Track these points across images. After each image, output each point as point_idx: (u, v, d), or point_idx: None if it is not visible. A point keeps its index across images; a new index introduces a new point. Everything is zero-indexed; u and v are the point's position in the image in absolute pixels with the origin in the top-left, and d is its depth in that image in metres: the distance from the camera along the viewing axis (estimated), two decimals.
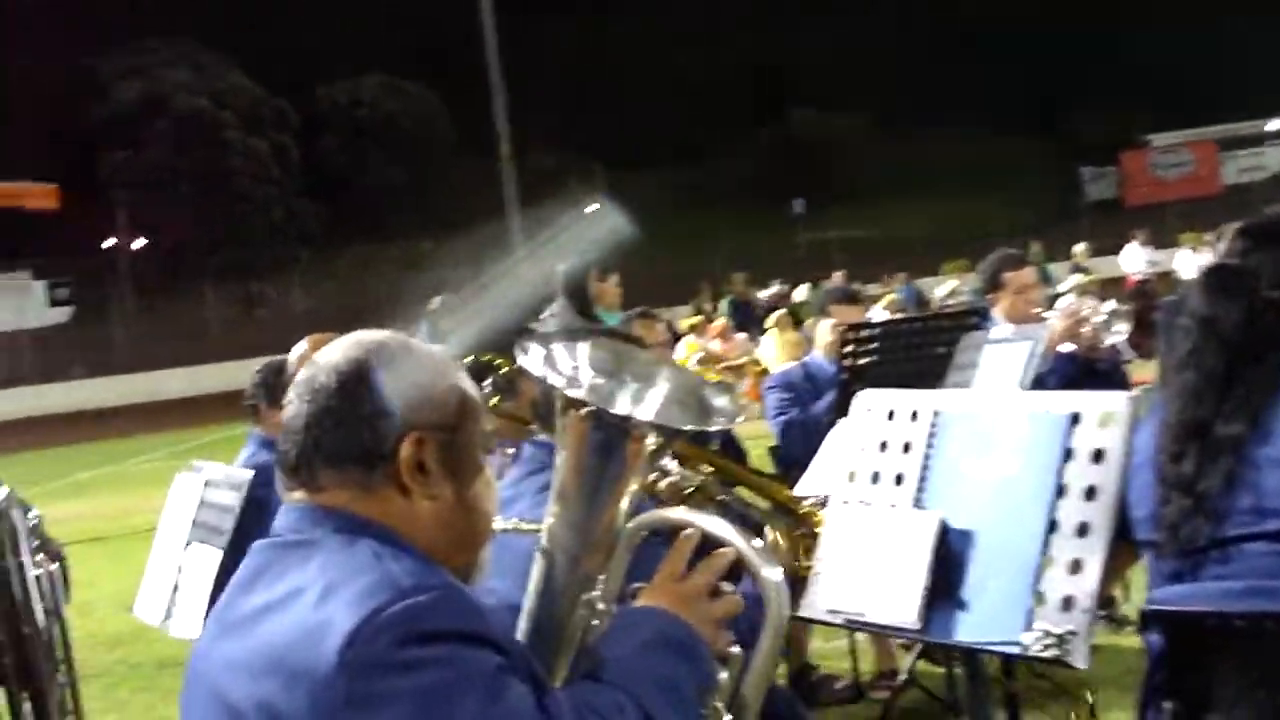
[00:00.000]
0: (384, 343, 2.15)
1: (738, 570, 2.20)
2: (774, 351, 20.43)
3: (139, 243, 57.63)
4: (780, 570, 2.17)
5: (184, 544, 4.52)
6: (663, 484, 3.58)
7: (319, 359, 2.15)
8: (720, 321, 22.66)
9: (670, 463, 3.58)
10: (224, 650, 2.01)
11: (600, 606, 2.26)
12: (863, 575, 2.87)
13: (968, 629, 2.69)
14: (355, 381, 2.08)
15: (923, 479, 2.88)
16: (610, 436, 2.20)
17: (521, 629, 2.33)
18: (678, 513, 2.26)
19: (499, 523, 2.32)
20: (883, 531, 2.87)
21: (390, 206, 60.58)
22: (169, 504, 4.79)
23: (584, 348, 2.36)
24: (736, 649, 2.24)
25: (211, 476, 4.67)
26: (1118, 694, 5.29)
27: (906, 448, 2.93)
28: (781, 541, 3.41)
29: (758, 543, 2.19)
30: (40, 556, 4.04)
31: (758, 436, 7.19)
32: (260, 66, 60.76)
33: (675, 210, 56.71)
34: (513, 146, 51.62)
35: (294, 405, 2.12)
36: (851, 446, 3.06)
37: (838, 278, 20.88)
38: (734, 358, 20.61)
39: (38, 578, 3.93)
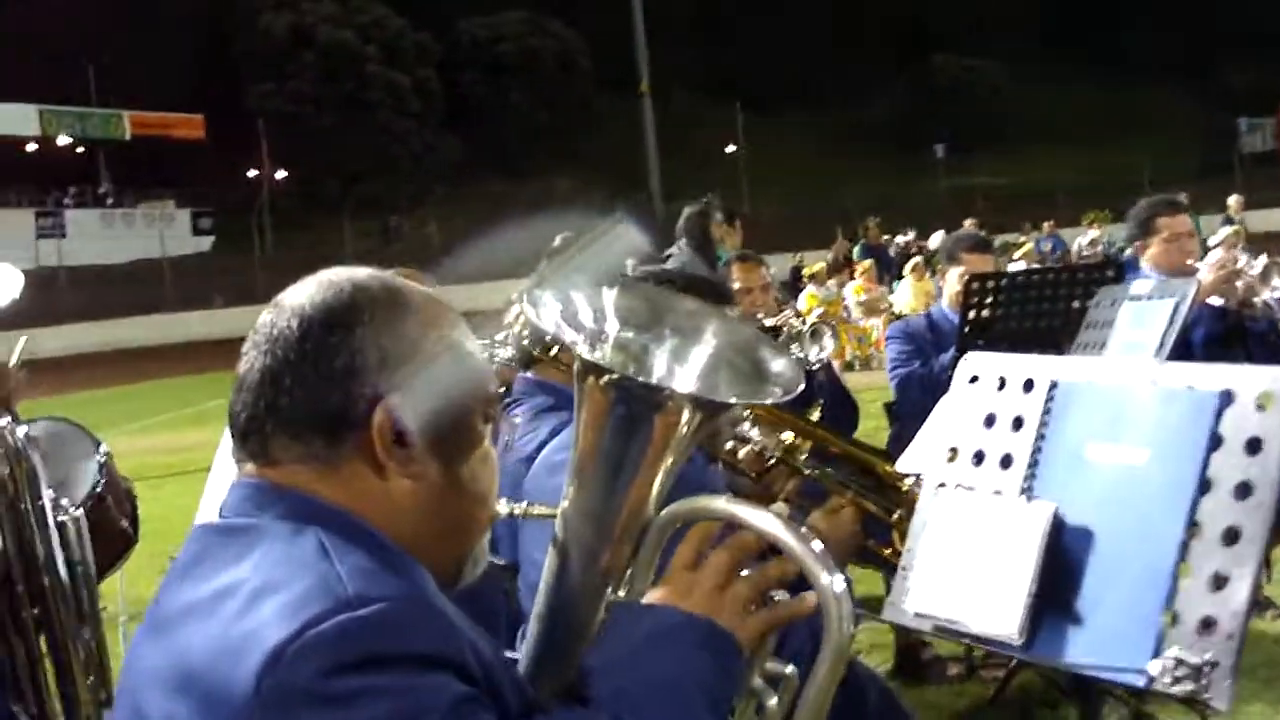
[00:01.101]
0: (363, 283, 1.76)
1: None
2: (908, 299, 19.82)
3: (280, 174, 58.35)
4: (842, 579, 1.74)
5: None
6: (741, 453, 3.16)
7: (284, 300, 1.77)
8: (855, 265, 22.05)
9: (749, 428, 3.14)
10: (148, 654, 1.66)
11: None
12: (958, 575, 2.41)
13: (1080, 649, 2.21)
14: (323, 330, 1.70)
15: (1034, 463, 2.40)
16: (636, 410, 1.79)
17: (531, 634, 1.93)
18: (718, 502, 1.82)
19: (503, 506, 1.91)
20: (984, 523, 2.40)
21: (527, 143, 60.56)
22: (223, 440, 4.48)
23: (613, 296, 1.93)
24: (790, 668, 1.82)
25: None
26: (1258, 686, 4.88)
27: (1017, 424, 2.44)
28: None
29: (819, 545, 1.74)
30: (65, 502, 3.73)
31: (881, 387, 6.74)
32: (404, 0, 60.87)
33: (813, 154, 55.77)
34: (652, 86, 51.32)
35: (248, 357, 1.74)
36: (954, 418, 2.59)
37: (969, 224, 20.10)
38: (865, 304, 20.18)
39: (61, 524, 3.62)
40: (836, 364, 17.94)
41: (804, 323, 5.68)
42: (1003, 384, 2.49)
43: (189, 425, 17.74)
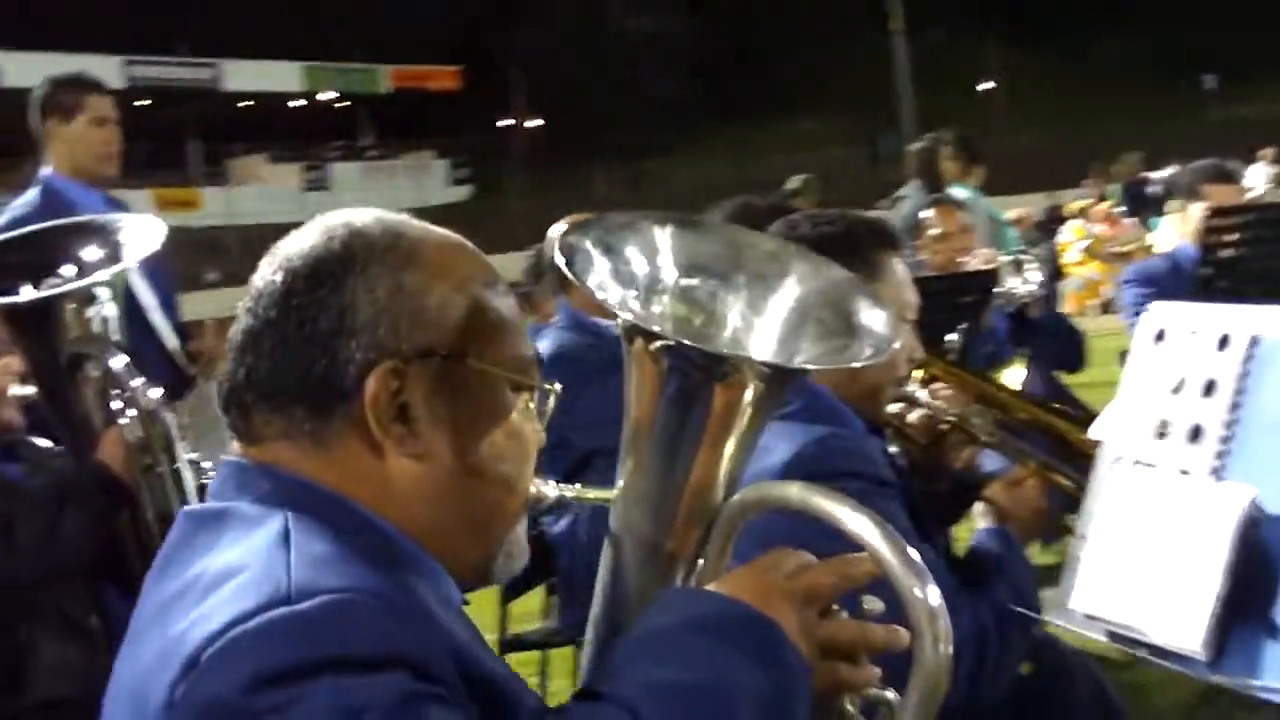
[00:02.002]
0: (360, 227, 1.49)
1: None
2: (1171, 238, 18.66)
3: (533, 122, 59.05)
4: (939, 593, 1.38)
5: None
6: (912, 416, 2.78)
7: (277, 248, 1.50)
8: (1106, 204, 20.93)
9: (918, 388, 2.76)
10: (121, 662, 1.42)
11: None
12: (1135, 570, 1.99)
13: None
14: (308, 283, 1.44)
15: (1228, 437, 1.95)
16: (692, 380, 1.48)
17: (588, 641, 1.63)
18: (792, 490, 1.48)
19: (548, 489, 1.60)
20: (1166, 508, 1.98)
21: (776, 86, 59.79)
22: None
23: (679, 237, 1.59)
24: (891, 694, 1.49)
25: None
26: None
27: (1209, 388, 2.00)
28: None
29: (914, 554, 1.40)
30: (208, 465, 3.59)
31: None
32: None
33: (1072, 87, 53.51)
34: (905, 20, 49.93)
35: (239, 318, 1.48)
36: (1137, 381, 2.16)
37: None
38: (1122, 243, 19.09)
39: (203, 488, 3.47)
40: (1096, 304, 17.15)
41: (1006, 256, 5.25)
42: (1194, 339, 2.05)
43: None
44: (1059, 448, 2.85)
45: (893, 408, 2.79)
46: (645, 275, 1.56)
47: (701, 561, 1.54)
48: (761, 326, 1.58)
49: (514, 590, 4.37)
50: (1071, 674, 2.91)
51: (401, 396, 1.42)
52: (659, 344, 1.47)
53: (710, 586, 1.47)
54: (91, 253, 3.19)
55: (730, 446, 1.50)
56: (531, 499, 1.59)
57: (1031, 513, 2.68)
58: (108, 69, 47.80)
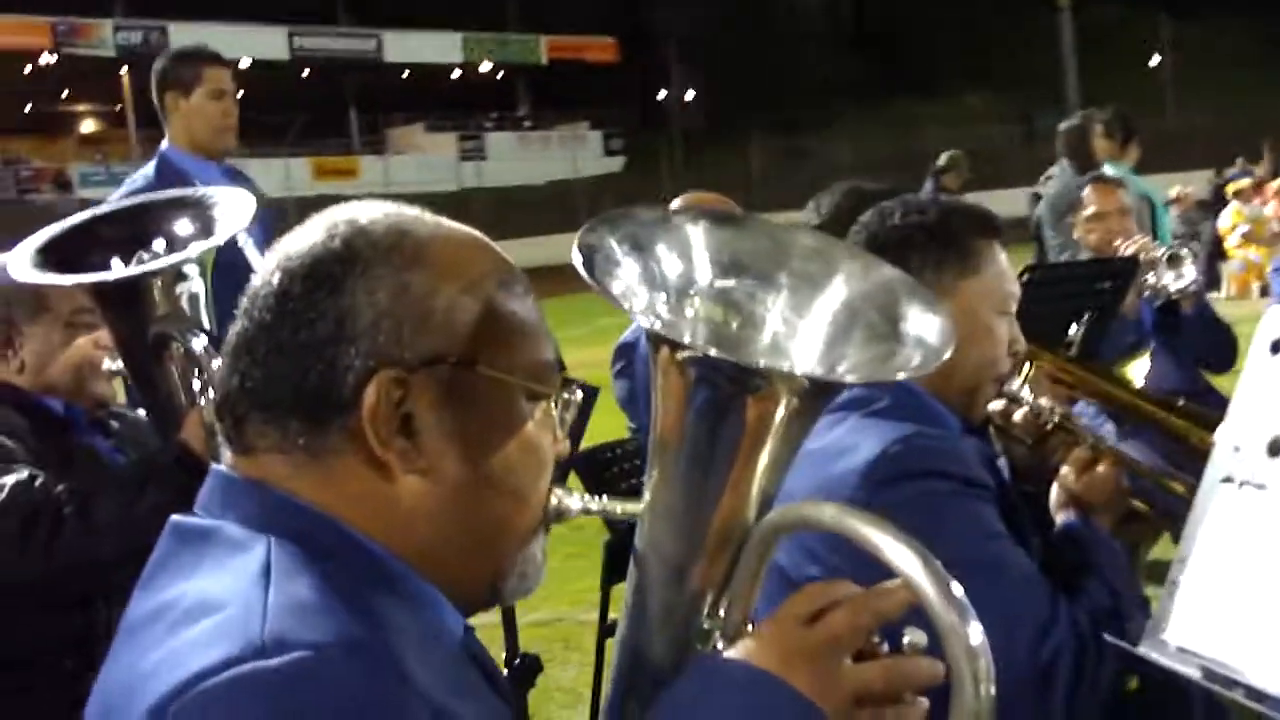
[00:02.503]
0: (364, 224, 1.38)
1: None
2: None
3: (689, 95, 58.88)
4: (980, 631, 1.23)
5: None
6: (1015, 415, 2.60)
7: (279, 246, 1.41)
8: (1277, 183, 20.10)
9: (1021, 386, 2.58)
10: (104, 670, 1.32)
11: (721, 646, 1.42)
12: (1237, 602, 1.81)
13: None
14: (305, 285, 1.34)
15: None
16: (722, 392, 1.35)
17: (615, 662, 1.52)
18: (827, 512, 1.35)
19: (572, 501, 1.48)
20: (1273, 535, 1.79)
21: (938, 61, 58.74)
22: None
23: (714, 234, 1.46)
24: None
25: None
26: None
27: None
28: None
29: (957, 587, 1.26)
30: None
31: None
32: None
33: (1245, 63, 51.56)
34: None
35: (237, 321, 1.39)
36: (1252, 394, 1.96)
37: None
38: None
39: None
40: (1257, 286, 16.47)
41: (1162, 248, 4.97)
42: None
43: (588, 344, 18.04)
44: (1178, 448, 2.65)
45: (995, 405, 2.62)
46: (677, 276, 1.43)
47: (727, 593, 1.41)
48: (804, 331, 1.44)
49: (618, 573, 4.26)
50: (1183, 691, 2.71)
51: (405, 407, 1.31)
52: (686, 354, 1.34)
53: (752, 644, 1.34)
54: (184, 227, 3.13)
55: (764, 462, 1.37)
56: (552, 512, 1.47)
57: (1110, 496, 2.49)
58: (274, 39, 49.12)
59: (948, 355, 1.34)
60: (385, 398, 1.30)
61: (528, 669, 3.91)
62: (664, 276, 1.42)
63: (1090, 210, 5.41)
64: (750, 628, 1.42)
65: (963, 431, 2.51)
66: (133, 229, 3.17)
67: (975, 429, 2.60)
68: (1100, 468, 2.47)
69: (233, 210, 3.18)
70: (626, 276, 1.40)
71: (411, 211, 1.41)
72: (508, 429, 1.37)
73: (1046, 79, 50.28)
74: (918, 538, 2.26)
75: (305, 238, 1.37)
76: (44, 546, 2.76)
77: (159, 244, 3.11)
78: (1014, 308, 2.56)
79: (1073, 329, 3.44)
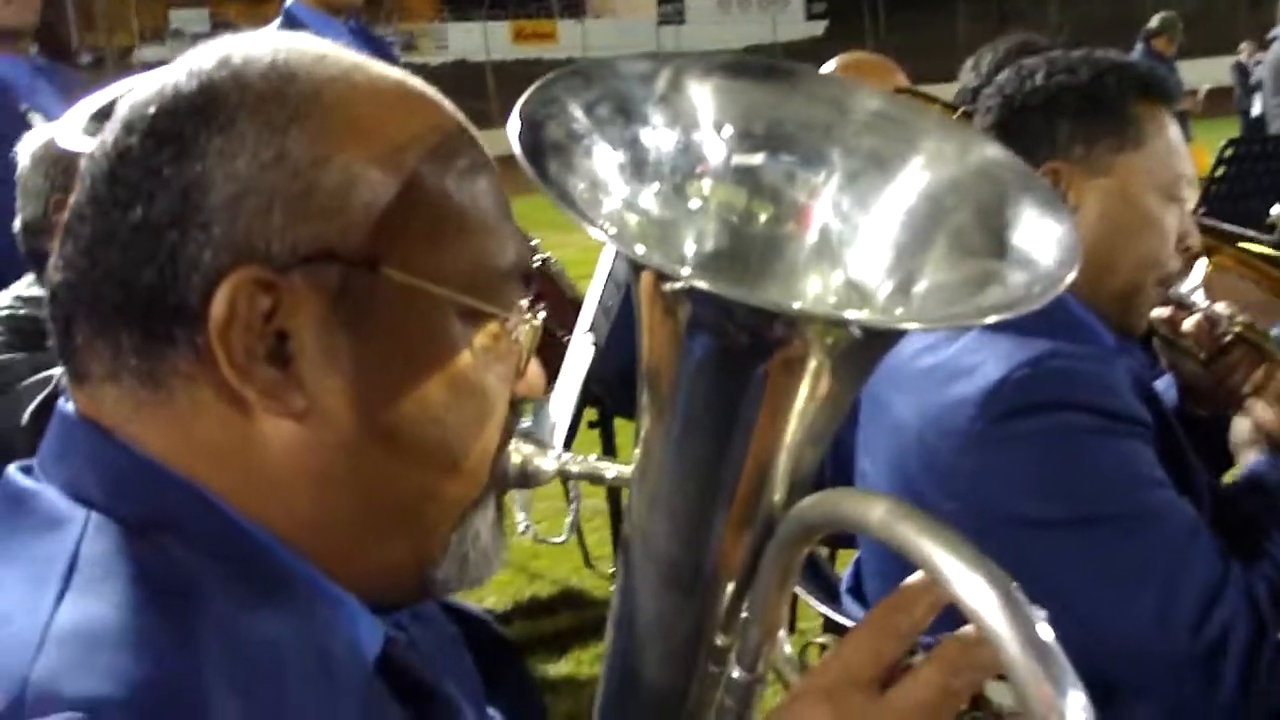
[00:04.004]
0: (243, 63, 0.99)
1: None
2: None
3: None
4: (1081, 699, 0.80)
5: None
6: (1186, 324, 2.11)
7: (127, 93, 1.02)
8: None
9: (1195, 290, 2.09)
10: None
11: (735, 674, 1.05)
12: None
13: None
14: (148, 147, 0.96)
15: None
16: (730, 343, 0.92)
17: (602, 690, 1.15)
18: (878, 512, 0.90)
19: (546, 460, 1.09)
20: None
21: None
22: None
23: (732, 93, 1.03)
24: None
25: None
26: None
27: None
28: None
29: (1041, 617, 0.83)
30: None
31: None
32: None
33: None
34: None
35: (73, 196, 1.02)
36: None
37: None
38: None
39: None
40: None
41: None
42: None
43: None
44: None
45: (1160, 312, 2.13)
46: (676, 153, 1.00)
47: (746, 604, 1.00)
48: (861, 238, 1.00)
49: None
50: None
51: (276, 322, 0.93)
52: (670, 287, 0.91)
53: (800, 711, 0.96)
54: None
55: (794, 431, 0.95)
56: (512, 474, 1.08)
57: None
58: None
59: (1066, 284, 0.89)
60: (247, 307, 0.91)
61: None
62: (656, 156, 0.99)
63: None
64: (783, 660, 1.02)
65: (1117, 346, 2.03)
66: None
67: (1133, 342, 2.12)
68: None
69: None
70: (602, 157, 0.97)
71: (319, 48, 1.01)
72: (430, 358, 0.98)
73: None
74: (1051, 485, 1.82)
75: (157, 81, 0.98)
76: None
77: None
78: (1186, 192, 2.05)
79: (1275, 209, 2.84)
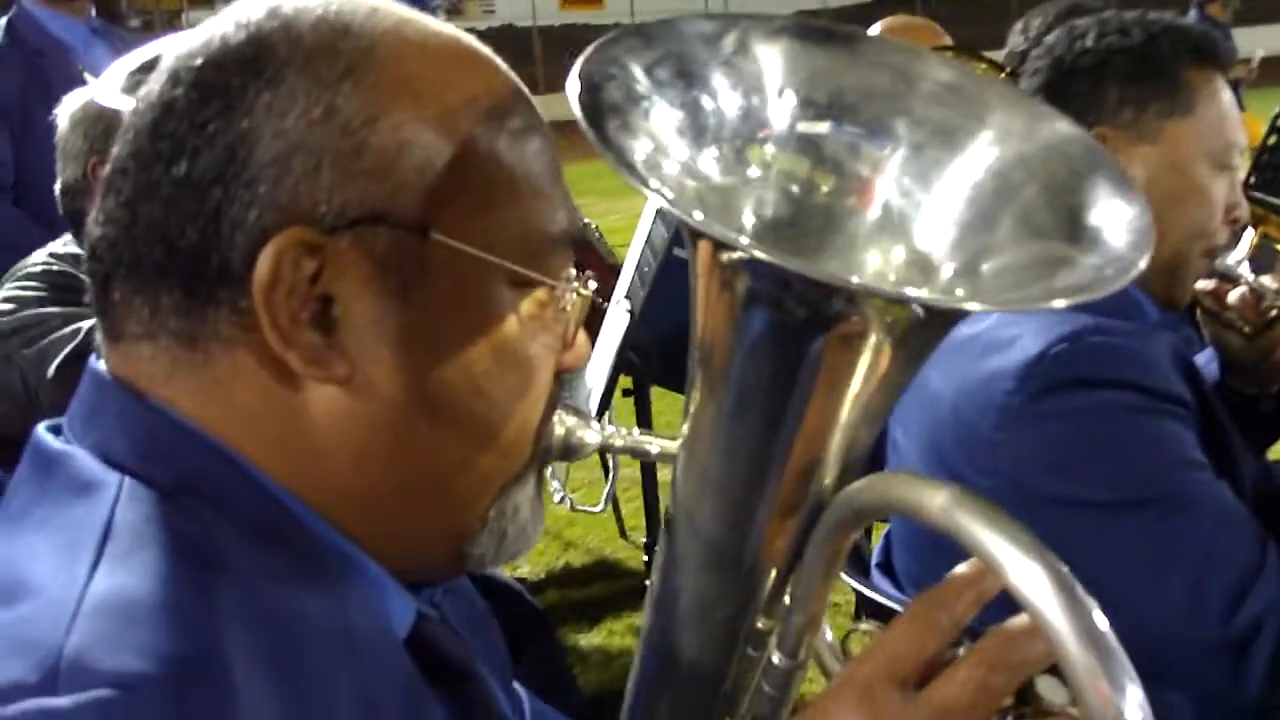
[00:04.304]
0: (293, 16, 0.95)
1: None
2: None
3: None
4: (1139, 694, 0.79)
5: None
6: (1231, 296, 2.07)
7: (170, 45, 0.99)
8: None
9: (1242, 262, 2.04)
10: None
11: (775, 660, 1.01)
12: None
13: None
14: (193, 101, 0.92)
15: None
16: (788, 318, 0.87)
17: (638, 669, 1.11)
18: (939, 499, 0.85)
19: (589, 433, 1.06)
20: None
21: None
22: None
23: (800, 58, 0.99)
24: None
25: None
26: None
27: None
28: None
29: (1100, 619, 0.79)
30: None
31: None
32: None
33: None
34: None
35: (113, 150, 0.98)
36: None
37: None
38: None
39: None
40: None
41: None
42: None
43: None
44: None
45: (1204, 284, 2.07)
46: (737, 118, 0.96)
47: (790, 586, 0.97)
48: (926, 214, 0.96)
49: None
50: None
51: (321, 286, 0.90)
52: (728, 257, 0.88)
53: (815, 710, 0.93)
54: None
55: (848, 410, 0.91)
56: (556, 447, 1.05)
57: None
58: None
59: (1140, 268, 0.84)
60: (292, 269, 0.89)
61: None
62: (717, 121, 0.96)
63: None
64: (825, 647, 0.99)
65: (1160, 320, 1.98)
66: None
67: (1177, 314, 2.07)
68: None
69: None
70: (657, 123, 0.93)
71: (380, 2, 0.97)
72: (476, 326, 0.95)
73: None
74: (1087, 465, 1.77)
75: (204, 33, 0.95)
76: None
77: None
78: (1238, 161, 1.98)
79: None
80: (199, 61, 0.92)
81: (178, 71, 0.93)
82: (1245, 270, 2.04)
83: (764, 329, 0.88)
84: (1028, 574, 0.80)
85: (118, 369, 0.95)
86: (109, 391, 0.95)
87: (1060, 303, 0.84)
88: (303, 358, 0.90)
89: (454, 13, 36.79)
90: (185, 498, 0.89)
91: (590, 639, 4.46)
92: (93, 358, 0.98)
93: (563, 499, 4.10)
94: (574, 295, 1.00)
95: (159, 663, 0.78)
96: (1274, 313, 2.04)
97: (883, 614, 1.97)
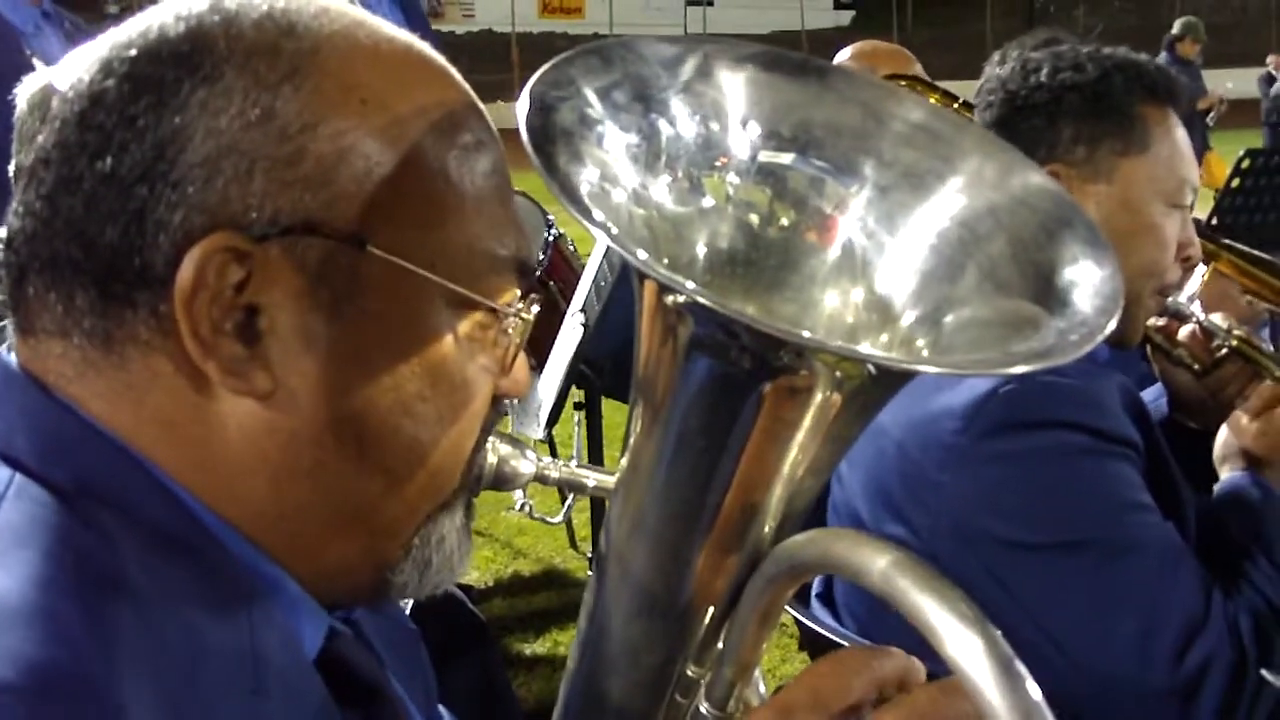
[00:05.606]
0: (237, 11, 0.91)
1: None
2: None
3: None
4: None
5: None
6: (1182, 334, 2.06)
7: (108, 35, 0.94)
8: None
9: (1189, 302, 2.02)
10: None
11: (703, 710, 0.98)
12: None
13: None
14: (124, 94, 0.88)
15: None
16: (732, 368, 0.83)
17: (562, 705, 1.08)
18: (881, 562, 0.81)
19: (524, 463, 1.02)
20: None
21: None
22: None
23: (764, 89, 0.95)
24: None
25: None
26: None
27: None
28: None
29: (1037, 696, 0.74)
30: None
31: None
32: None
33: None
34: None
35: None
36: None
37: None
38: None
39: None
40: None
41: None
42: None
43: None
44: None
45: (1155, 321, 2.05)
46: (696, 144, 0.92)
47: (723, 636, 0.93)
48: (887, 261, 0.92)
49: None
50: None
51: (247, 295, 0.85)
52: (673, 299, 0.83)
53: None
54: None
55: (793, 460, 0.87)
56: (487, 475, 1.01)
57: None
58: None
59: (1105, 334, 0.80)
60: (216, 276, 0.84)
61: None
62: (674, 148, 0.91)
63: None
64: (757, 700, 0.95)
65: (1110, 358, 1.95)
66: None
67: (1128, 351, 2.05)
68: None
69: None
70: (610, 149, 0.88)
71: (333, 2, 0.93)
72: (410, 346, 0.91)
73: None
74: (1033, 507, 1.74)
75: (142, 22, 0.91)
76: None
77: None
78: (1190, 199, 1.96)
79: None
80: (133, 52, 0.88)
81: (111, 61, 0.89)
82: (1196, 308, 2.03)
83: (707, 375, 0.84)
84: (965, 646, 0.76)
85: (28, 363, 0.91)
86: (15, 383, 0.90)
87: (1020, 368, 0.80)
88: (222, 368, 0.86)
89: (434, 14, 36.64)
90: (86, 501, 0.84)
91: (536, 648, 4.42)
92: (2, 349, 0.94)
93: (523, 505, 4.06)
94: (517, 320, 0.96)
95: (24, 672, 0.72)
96: (1223, 351, 2.02)
97: (820, 644, 1.95)
